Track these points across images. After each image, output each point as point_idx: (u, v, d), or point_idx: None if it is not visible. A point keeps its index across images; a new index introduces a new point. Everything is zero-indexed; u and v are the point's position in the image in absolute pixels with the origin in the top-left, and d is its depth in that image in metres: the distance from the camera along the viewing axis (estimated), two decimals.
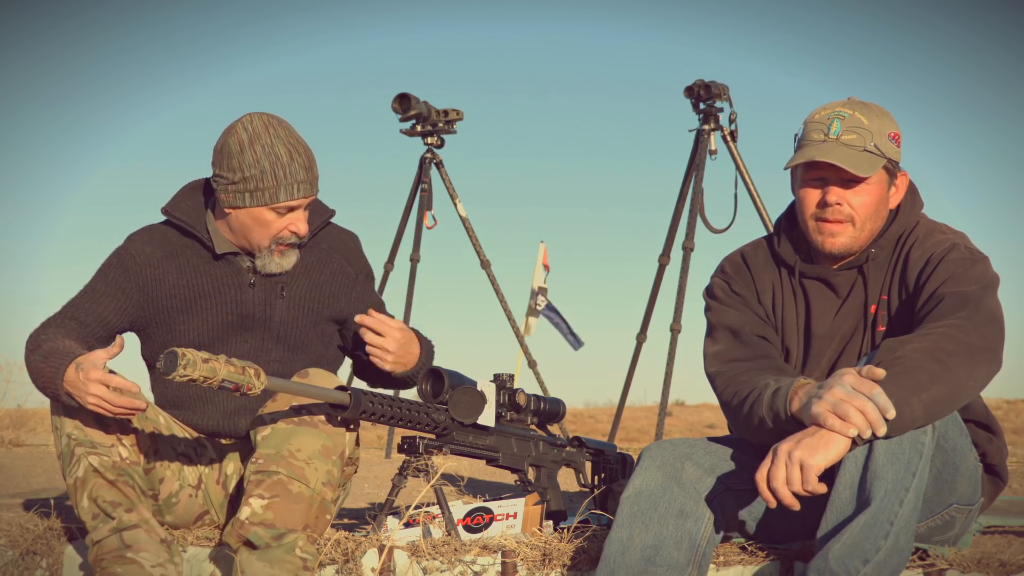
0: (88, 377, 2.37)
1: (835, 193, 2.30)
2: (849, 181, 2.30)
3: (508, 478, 3.96)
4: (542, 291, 6.20)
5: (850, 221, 2.31)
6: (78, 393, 2.40)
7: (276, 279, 2.74)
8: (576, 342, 6.30)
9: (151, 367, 2.78)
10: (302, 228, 2.67)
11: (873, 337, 2.34)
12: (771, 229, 2.60)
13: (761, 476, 2.04)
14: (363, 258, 2.88)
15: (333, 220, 2.85)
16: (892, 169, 2.34)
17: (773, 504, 2.03)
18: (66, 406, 2.48)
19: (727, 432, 2.49)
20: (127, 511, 2.47)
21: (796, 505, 2.01)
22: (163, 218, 2.76)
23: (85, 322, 2.63)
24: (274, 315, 2.72)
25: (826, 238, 2.33)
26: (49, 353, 2.47)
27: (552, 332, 6.32)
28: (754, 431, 2.21)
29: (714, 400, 2.46)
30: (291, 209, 2.64)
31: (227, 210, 2.65)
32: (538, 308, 6.15)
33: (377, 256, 6.28)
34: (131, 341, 2.76)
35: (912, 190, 2.40)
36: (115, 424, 2.51)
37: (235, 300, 2.71)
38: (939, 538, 2.33)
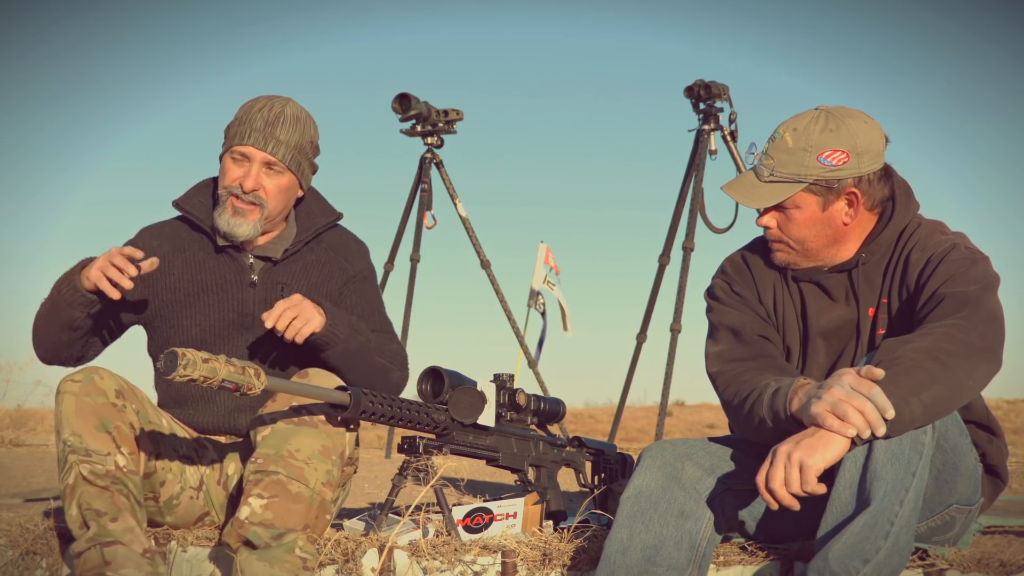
0: (110, 252, 2.52)
1: (762, 219, 2.38)
2: (777, 206, 2.34)
3: (508, 478, 3.96)
4: (547, 290, 6.19)
5: (784, 241, 2.37)
6: (90, 267, 2.52)
7: (276, 277, 2.74)
8: (537, 357, 6.29)
9: (156, 363, 2.78)
10: (248, 183, 2.69)
11: (872, 340, 2.34)
12: None
13: (761, 478, 2.04)
14: (364, 261, 2.89)
15: (347, 229, 2.87)
16: (827, 189, 2.30)
17: (775, 507, 2.03)
18: (68, 409, 2.45)
19: (727, 432, 2.49)
20: (112, 520, 2.41)
21: (796, 506, 2.01)
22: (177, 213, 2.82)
23: (92, 311, 2.64)
24: None
25: (771, 254, 2.42)
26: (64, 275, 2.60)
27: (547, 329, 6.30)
28: (755, 431, 2.21)
29: (714, 400, 2.47)
30: (245, 158, 2.69)
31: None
32: (539, 310, 6.14)
33: (377, 256, 6.25)
34: (135, 341, 2.78)
35: (907, 192, 2.40)
36: (114, 431, 2.49)
37: (236, 298, 2.72)
38: (939, 538, 2.33)
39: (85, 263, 2.58)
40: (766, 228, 2.38)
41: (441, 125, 6.13)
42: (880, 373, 1.99)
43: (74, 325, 2.62)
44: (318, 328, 2.60)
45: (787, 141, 2.31)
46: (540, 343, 6.22)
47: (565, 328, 6.21)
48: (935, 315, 2.15)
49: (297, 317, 2.57)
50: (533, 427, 2.88)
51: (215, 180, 2.81)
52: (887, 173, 2.35)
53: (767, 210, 2.36)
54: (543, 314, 6.12)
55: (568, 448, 2.91)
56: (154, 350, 2.77)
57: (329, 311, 2.64)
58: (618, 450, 3.04)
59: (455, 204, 6.22)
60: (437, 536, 2.54)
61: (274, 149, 2.69)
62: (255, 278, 2.74)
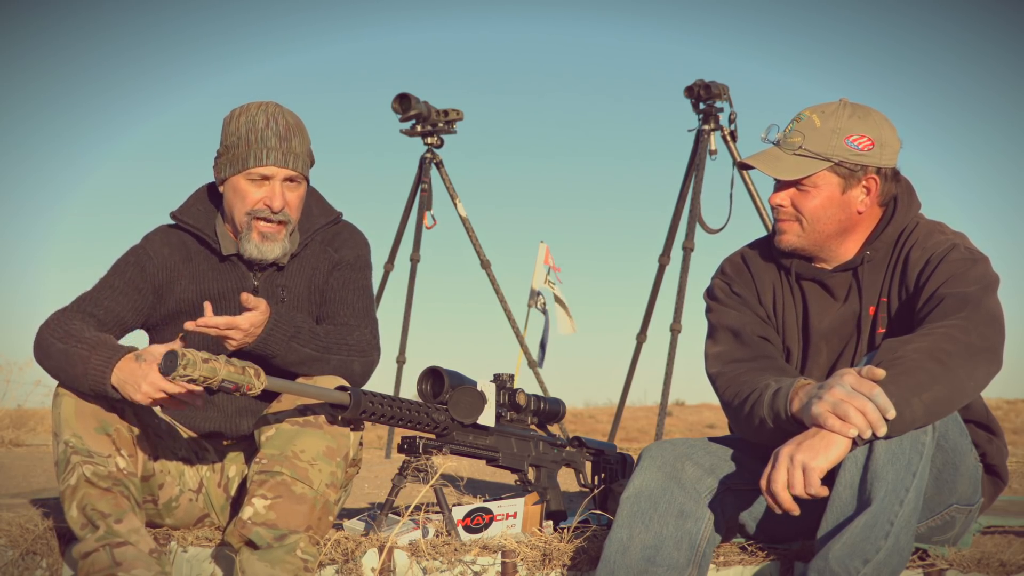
0: (147, 378, 2.35)
1: (777, 196, 2.38)
2: (796, 183, 2.35)
3: (508, 478, 3.96)
4: (547, 290, 6.19)
5: (797, 220, 2.37)
6: (132, 381, 2.36)
7: (277, 281, 2.73)
8: (541, 358, 6.28)
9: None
10: (276, 202, 2.62)
11: (872, 338, 2.34)
12: (770, 230, 2.61)
13: (764, 481, 2.04)
14: (355, 250, 2.81)
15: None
16: (850, 172, 2.33)
17: (779, 510, 2.03)
18: (67, 411, 2.45)
19: (727, 432, 2.49)
20: (116, 522, 2.41)
21: (796, 510, 2.01)
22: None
23: (103, 320, 2.61)
24: None
25: (777, 236, 2.41)
26: (96, 344, 2.43)
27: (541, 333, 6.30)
28: (755, 431, 2.21)
29: (714, 400, 2.47)
30: (265, 178, 2.62)
31: (221, 189, 2.69)
32: (540, 309, 6.14)
33: (377, 256, 6.26)
34: (135, 342, 2.77)
35: (909, 191, 2.40)
36: (114, 434, 2.48)
37: (237, 306, 2.71)
38: (939, 538, 2.33)
39: (111, 358, 2.41)
40: (779, 206, 2.38)
41: (441, 125, 6.13)
42: (881, 373, 2.00)
43: (80, 390, 2.49)
44: (240, 347, 2.48)
45: (815, 121, 2.33)
46: (543, 344, 6.22)
47: (571, 327, 6.20)
48: (935, 315, 2.15)
49: (225, 336, 2.45)
50: (533, 427, 2.88)
51: (210, 186, 2.77)
52: (896, 174, 2.37)
53: (784, 186, 2.37)
54: (544, 311, 6.12)
55: (568, 448, 2.91)
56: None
57: (264, 334, 2.49)
58: (618, 450, 3.04)
59: (455, 204, 6.22)
60: (437, 536, 2.54)
61: (294, 164, 2.64)
62: (256, 284, 2.73)
